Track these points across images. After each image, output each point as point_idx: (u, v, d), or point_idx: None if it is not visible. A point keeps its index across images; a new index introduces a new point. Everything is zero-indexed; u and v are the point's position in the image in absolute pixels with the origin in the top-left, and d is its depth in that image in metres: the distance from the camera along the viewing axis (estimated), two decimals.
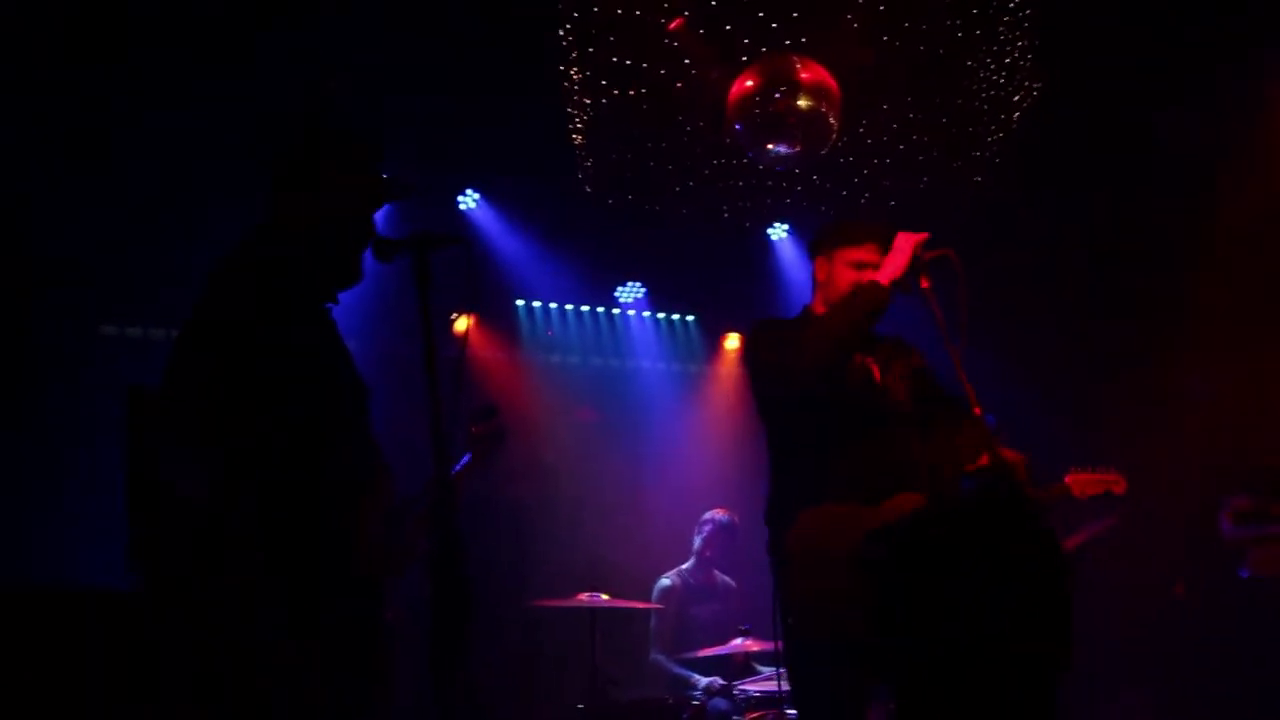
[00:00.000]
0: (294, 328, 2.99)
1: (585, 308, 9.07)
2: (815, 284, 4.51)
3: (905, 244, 4.19)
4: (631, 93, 6.12)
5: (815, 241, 4.55)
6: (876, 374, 4.35)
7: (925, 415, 4.36)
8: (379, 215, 3.28)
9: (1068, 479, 4.92)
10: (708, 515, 7.42)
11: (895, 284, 4.16)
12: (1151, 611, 6.97)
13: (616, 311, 9.20)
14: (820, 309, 4.41)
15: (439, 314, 3.03)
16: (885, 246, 4.35)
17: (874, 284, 4.17)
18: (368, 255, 3.20)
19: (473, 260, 3.09)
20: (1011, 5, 5.62)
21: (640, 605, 6.75)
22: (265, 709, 2.70)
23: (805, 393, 4.19)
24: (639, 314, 9.28)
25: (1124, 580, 6.88)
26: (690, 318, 9.43)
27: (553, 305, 8.93)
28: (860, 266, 4.35)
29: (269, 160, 3.17)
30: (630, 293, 9.09)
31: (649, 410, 9.13)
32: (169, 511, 2.72)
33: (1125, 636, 6.81)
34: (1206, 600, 6.99)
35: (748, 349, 4.51)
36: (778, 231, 8.91)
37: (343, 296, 3.22)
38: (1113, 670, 6.71)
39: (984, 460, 4.08)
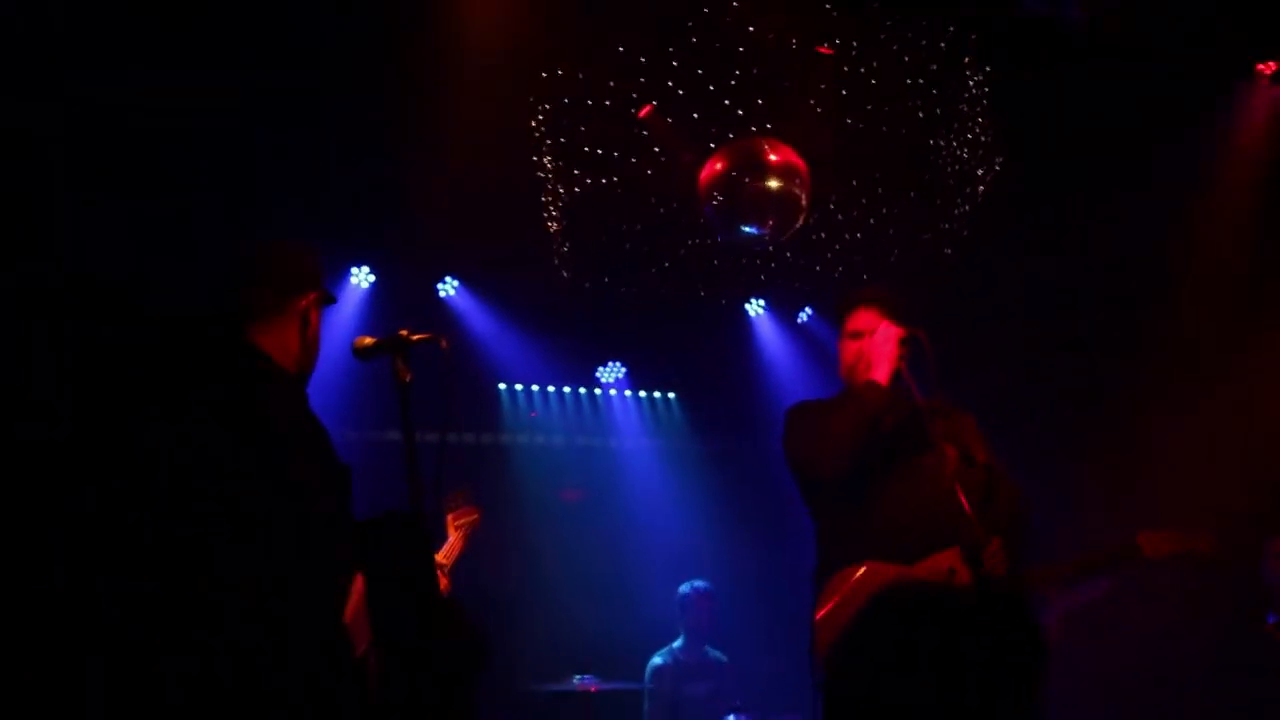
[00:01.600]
0: (288, 426, 3.06)
1: (567, 389, 9.12)
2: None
3: (888, 338, 4.29)
4: (604, 180, 6.23)
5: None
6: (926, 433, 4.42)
7: (970, 477, 4.40)
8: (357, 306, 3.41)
9: (1139, 538, 4.84)
10: (682, 588, 7.44)
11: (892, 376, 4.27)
12: (1161, 661, 6.95)
13: (598, 391, 9.26)
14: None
15: (419, 410, 3.10)
16: (883, 307, 4.48)
17: (871, 384, 4.26)
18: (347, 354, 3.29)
19: (449, 357, 3.15)
20: (971, 85, 5.77)
21: (633, 687, 6.75)
22: None
23: (836, 488, 4.29)
24: (620, 393, 9.34)
25: (1135, 630, 6.88)
26: (671, 395, 9.49)
27: (534, 387, 8.98)
28: (856, 335, 4.49)
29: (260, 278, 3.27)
30: (611, 372, 9.16)
31: (633, 488, 9.16)
32: None
33: (1135, 686, 6.80)
34: (1220, 650, 6.97)
35: (784, 439, 4.54)
36: (755, 307, 9.01)
37: (324, 384, 3.31)
38: None
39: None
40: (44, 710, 2.69)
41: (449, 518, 4.12)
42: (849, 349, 4.51)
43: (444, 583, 3.64)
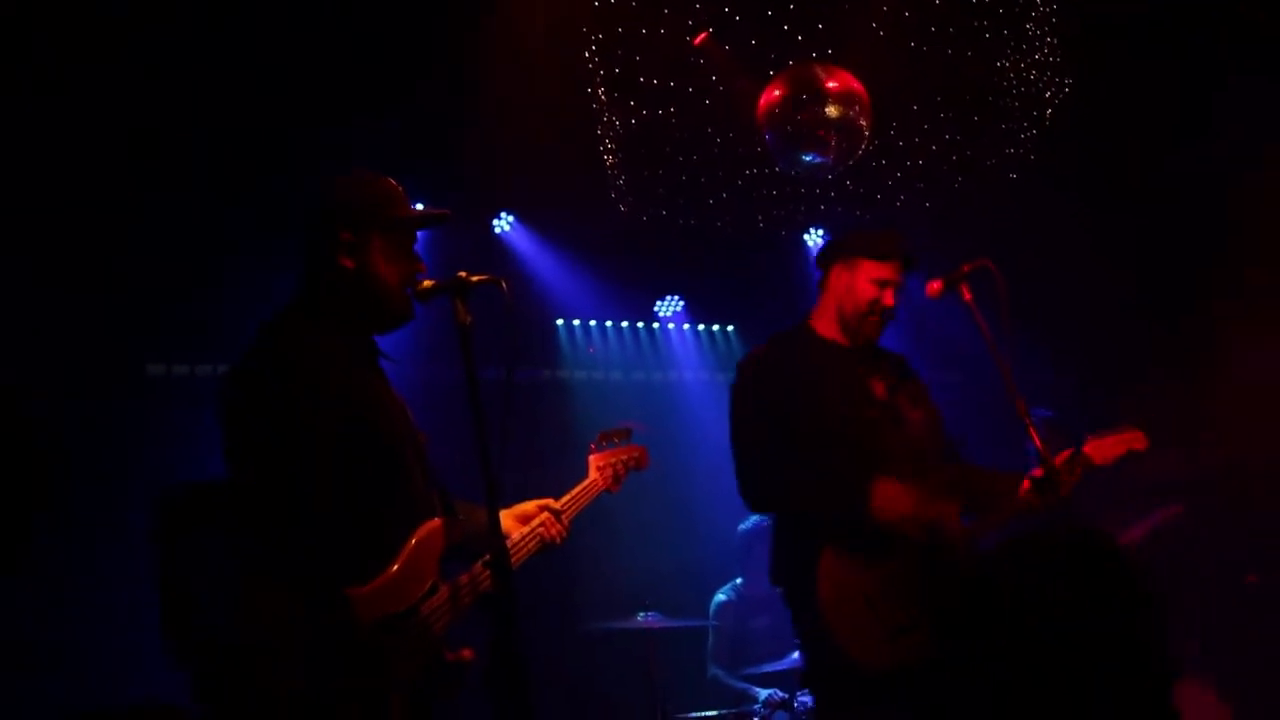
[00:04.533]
0: (339, 379, 3.03)
1: (625, 323, 9.05)
2: (826, 291, 4.52)
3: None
4: (660, 111, 6.12)
5: (837, 248, 4.53)
6: (880, 391, 4.35)
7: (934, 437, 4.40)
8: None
9: (1086, 448, 4.75)
10: (744, 524, 7.38)
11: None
12: (1222, 602, 6.85)
13: (656, 326, 9.18)
14: (823, 321, 4.46)
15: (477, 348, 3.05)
16: (907, 265, 4.39)
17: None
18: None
19: (509, 296, 3.07)
20: (1039, 2, 5.59)
21: (697, 624, 6.73)
22: None
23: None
24: (679, 326, 9.26)
25: (1194, 570, 6.77)
26: (730, 328, 9.39)
27: (592, 323, 8.92)
28: (884, 284, 4.38)
29: (302, 222, 3.21)
30: (669, 306, 9.08)
31: (694, 422, 9.08)
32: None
33: (1194, 628, 6.70)
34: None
35: (732, 406, 4.51)
36: (813, 237, 8.87)
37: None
38: (1183, 663, 6.59)
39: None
40: None
41: (591, 458, 4.02)
42: (865, 293, 4.40)
43: (555, 529, 3.59)
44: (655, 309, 9.06)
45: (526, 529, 3.50)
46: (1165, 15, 6.16)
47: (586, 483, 3.89)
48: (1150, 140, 7.03)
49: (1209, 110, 6.75)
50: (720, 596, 7.22)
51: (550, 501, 3.65)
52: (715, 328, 9.35)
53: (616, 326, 9.01)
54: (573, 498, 3.76)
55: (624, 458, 4.08)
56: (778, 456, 4.27)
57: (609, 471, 3.99)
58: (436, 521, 3.12)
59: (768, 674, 6.51)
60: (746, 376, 4.51)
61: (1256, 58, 6.39)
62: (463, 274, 3.06)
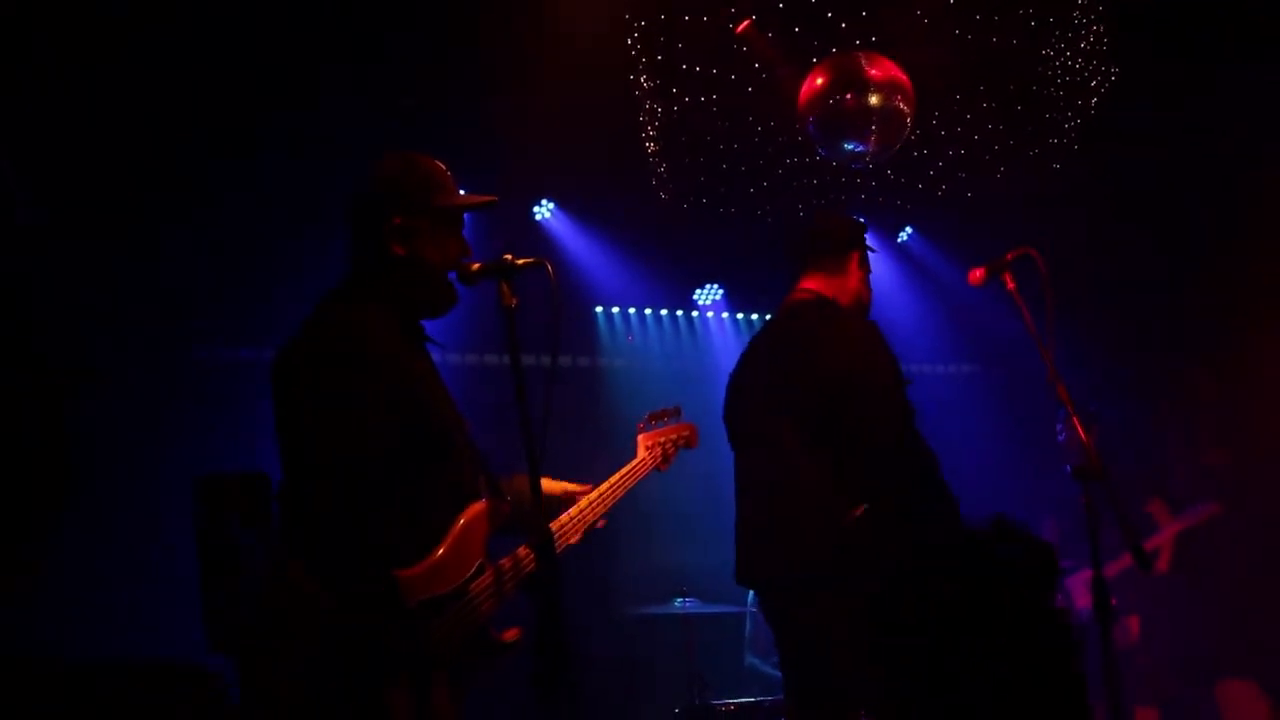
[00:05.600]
0: (391, 363, 3.04)
1: (664, 311, 9.06)
2: (845, 275, 4.78)
3: None
4: (702, 98, 6.11)
5: (858, 239, 4.84)
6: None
7: None
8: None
9: None
10: None
11: None
12: (1259, 600, 6.78)
13: (695, 314, 9.19)
14: (846, 305, 4.61)
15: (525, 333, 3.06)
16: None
17: None
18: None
19: (554, 280, 3.07)
20: None
21: (734, 610, 6.74)
22: None
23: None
24: (718, 315, 9.26)
25: (1230, 567, 6.71)
26: (769, 317, 9.36)
27: (631, 310, 8.93)
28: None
29: (351, 205, 3.21)
30: (708, 295, 9.08)
31: None
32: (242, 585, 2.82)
33: (1232, 625, 6.65)
34: None
35: (854, 342, 4.34)
36: None
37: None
38: (1219, 660, 6.55)
39: None
40: None
41: (640, 438, 4.01)
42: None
43: (591, 514, 3.59)
44: (694, 297, 9.07)
45: (575, 512, 3.51)
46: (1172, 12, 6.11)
47: (636, 462, 3.88)
48: (1195, 125, 6.97)
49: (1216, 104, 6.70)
50: None
51: (589, 489, 3.66)
52: (754, 316, 9.35)
53: (656, 314, 9.03)
54: (622, 476, 3.75)
55: (673, 436, 4.07)
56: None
57: (658, 450, 3.98)
58: (482, 504, 3.14)
59: None
60: (863, 331, 4.45)
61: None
62: (508, 256, 3.07)
